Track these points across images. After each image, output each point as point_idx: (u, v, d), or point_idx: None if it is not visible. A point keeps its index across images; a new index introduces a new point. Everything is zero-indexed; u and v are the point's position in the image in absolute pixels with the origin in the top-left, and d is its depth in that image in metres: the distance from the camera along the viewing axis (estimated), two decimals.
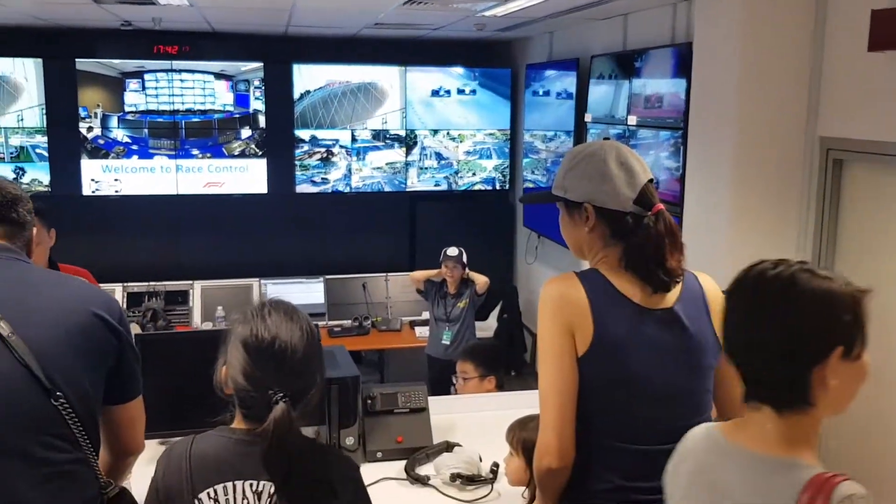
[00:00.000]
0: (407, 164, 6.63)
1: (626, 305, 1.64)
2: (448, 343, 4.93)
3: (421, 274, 5.18)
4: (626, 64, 4.60)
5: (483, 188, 6.79)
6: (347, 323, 5.66)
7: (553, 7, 4.60)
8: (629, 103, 4.55)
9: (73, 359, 1.51)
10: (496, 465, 2.30)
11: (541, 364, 1.65)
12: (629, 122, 4.55)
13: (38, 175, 6.02)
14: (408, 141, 6.59)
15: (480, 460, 2.34)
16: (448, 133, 6.64)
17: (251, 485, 1.45)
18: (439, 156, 6.68)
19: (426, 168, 6.67)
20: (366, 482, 1.47)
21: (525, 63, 6.44)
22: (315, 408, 2.24)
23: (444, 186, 6.74)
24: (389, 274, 6.08)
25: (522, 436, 2.08)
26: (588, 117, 5.12)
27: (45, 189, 6.02)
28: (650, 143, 4.29)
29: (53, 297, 1.57)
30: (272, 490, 1.45)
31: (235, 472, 1.46)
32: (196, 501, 1.45)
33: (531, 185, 6.17)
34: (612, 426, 1.64)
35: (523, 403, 2.63)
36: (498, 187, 6.82)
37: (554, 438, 1.60)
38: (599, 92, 4.96)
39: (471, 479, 2.27)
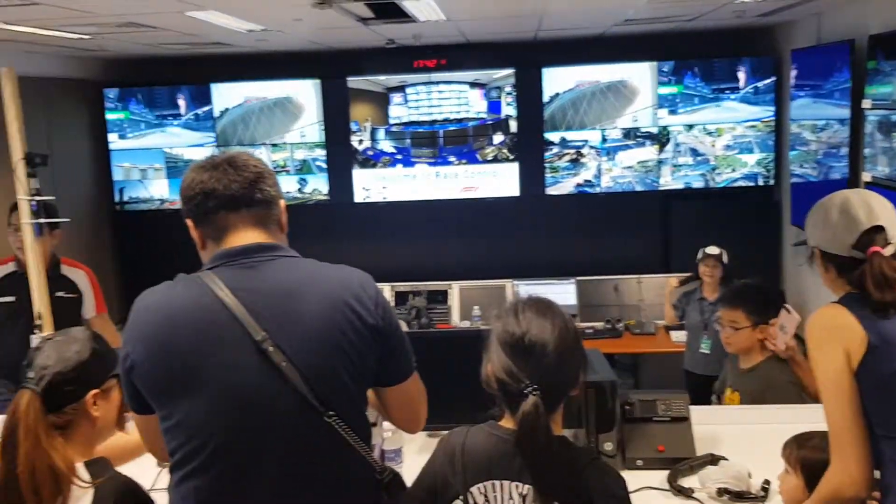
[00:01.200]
0: (659, 162, 6.44)
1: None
2: (708, 352, 4.49)
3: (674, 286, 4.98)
4: None
5: (744, 184, 6.40)
6: (600, 325, 5.62)
7: None
8: None
9: (340, 373, 1.52)
10: (767, 482, 2.17)
11: (825, 398, 1.76)
12: None
13: (318, 185, 6.68)
14: (660, 138, 6.40)
15: (749, 476, 2.21)
16: (704, 128, 6.35)
17: (517, 486, 1.51)
18: (695, 152, 6.40)
19: (680, 165, 6.43)
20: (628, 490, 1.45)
21: (790, 48, 5.96)
22: (576, 409, 2.30)
23: (700, 184, 6.45)
24: (642, 276, 5.95)
25: (802, 454, 1.95)
26: (867, 104, 4.63)
27: (325, 197, 6.65)
28: None
29: (315, 303, 1.52)
30: (537, 494, 1.49)
31: (503, 471, 1.52)
32: (468, 494, 1.53)
33: (800, 181, 5.70)
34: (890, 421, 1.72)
35: (790, 418, 2.46)
36: (761, 183, 6.39)
37: (859, 471, 1.71)
38: (881, 75, 4.46)
39: (739, 496, 2.16)
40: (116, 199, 6.77)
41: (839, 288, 1.87)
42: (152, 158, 6.70)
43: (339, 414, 1.51)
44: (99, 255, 6.68)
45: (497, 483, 1.52)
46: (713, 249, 4.71)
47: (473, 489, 1.53)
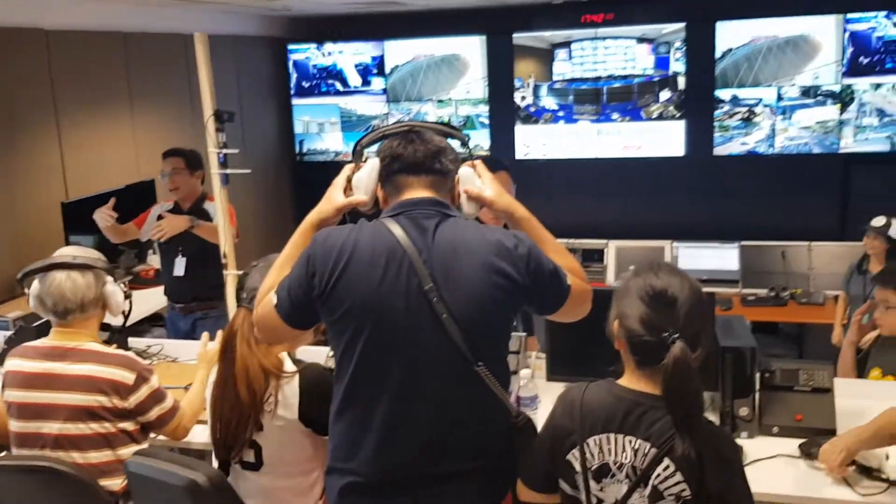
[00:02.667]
0: (841, 123, 6.03)
1: None
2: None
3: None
4: None
5: None
6: (763, 292, 5.41)
7: None
8: None
9: (491, 328, 1.70)
10: None
11: None
12: None
13: (481, 141, 6.83)
14: (843, 97, 5.98)
15: (887, 458, 2.14)
16: (894, 86, 5.86)
17: (630, 441, 1.58)
18: (882, 112, 5.93)
19: (864, 127, 5.99)
20: (759, 456, 1.47)
21: None
22: (713, 373, 2.32)
23: (886, 147, 5.98)
24: (813, 243, 5.64)
25: None
26: None
27: (487, 153, 6.80)
28: None
29: (474, 263, 1.65)
30: (647, 449, 1.56)
31: (618, 425, 1.60)
32: (584, 445, 1.63)
33: None
34: None
35: None
36: None
37: None
38: None
39: (867, 471, 2.10)
40: (297, 150, 7.28)
41: None
42: (329, 112, 7.13)
43: (486, 364, 1.66)
44: (281, 202, 7.24)
45: (612, 436, 1.60)
46: (878, 220, 4.43)
47: (590, 440, 1.62)
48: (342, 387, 1.70)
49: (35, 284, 2.29)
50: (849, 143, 6.05)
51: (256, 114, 6.85)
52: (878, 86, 5.90)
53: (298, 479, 2.08)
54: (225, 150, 2.84)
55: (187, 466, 1.95)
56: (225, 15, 6.14)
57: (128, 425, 2.24)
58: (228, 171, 2.87)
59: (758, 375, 2.42)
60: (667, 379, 1.52)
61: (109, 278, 2.35)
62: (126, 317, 2.50)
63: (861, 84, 5.92)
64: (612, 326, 1.66)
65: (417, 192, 1.75)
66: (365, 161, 1.82)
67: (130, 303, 2.46)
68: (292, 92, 7.17)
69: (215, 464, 2.08)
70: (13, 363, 2.27)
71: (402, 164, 1.75)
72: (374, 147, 1.85)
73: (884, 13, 5.79)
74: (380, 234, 1.68)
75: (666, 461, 1.54)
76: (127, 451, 2.20)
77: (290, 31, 7.22)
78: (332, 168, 7.19)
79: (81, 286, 2.26)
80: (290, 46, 7.10)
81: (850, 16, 5.85)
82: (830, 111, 6.03)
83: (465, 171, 1.83)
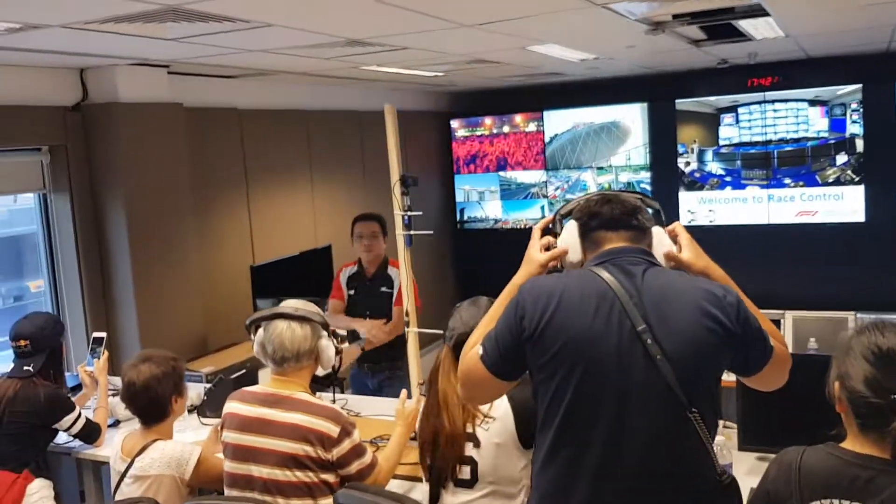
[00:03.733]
0: None
1: None
2: None
3: None
4: None
5: None
6: None
7: None
8: None
9: (704, 373, 1.66)
10: None
11: None
12: None
13: None
14: None
15: None
16: None
17: None
18: None
19: None
20: None
21: None
22: None
23: None
24: None
25: None
26: None
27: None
28: None
29: (686, 307, 1.66)
30: None
31: (842, 491, 1.51)
32: None
33: None
34: None
35: None
36: None
37: None
38: None
39: None
40: (458, 218, 7.49)
41: None
42: (489, 182, 7.31)
43: (699, 411, 1.63)
44: (443, 268, 7.44)
45: (835, 501, 1.51)
46: None
47: None
48: (551, 432, 1.69)
49: (260, 332, 2.44)
50: None
51: (422, 183, 7.13)
52: None
53: (509, 498, 2.22)
54: (410, 213, 2.98)
55: (395, 499, 2.07)
56: (394, 92, 6.51)
57: (329, 477, 2.30)
58: (413, 232, 3.01)
59: None
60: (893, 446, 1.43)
61: (325, 333, 2.48)
62: (335, 371, 2.60)
63: None
64: (832, 388, 1.58)
65: (618, 244, 1.77)
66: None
67: (340, 359, 2.58)
68: (455, 162, 7.43)
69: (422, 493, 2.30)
70: (233, 406, 2.42)
71: (601, 221, 1.79)
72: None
73: None
74: (588, 278, 1.71)
75: None
76: (326, 503, 2.28)
77: (453, 104, 7.53)
78: (491, 235, 7.38)
79: (299, 337, 2.39)
80: (454, 120, 7.40)
81: None
82: None
83: (658, 230, 1.84)
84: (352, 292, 4.27)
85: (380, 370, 4.15)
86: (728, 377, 1.85)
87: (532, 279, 1.80)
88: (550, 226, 1.91)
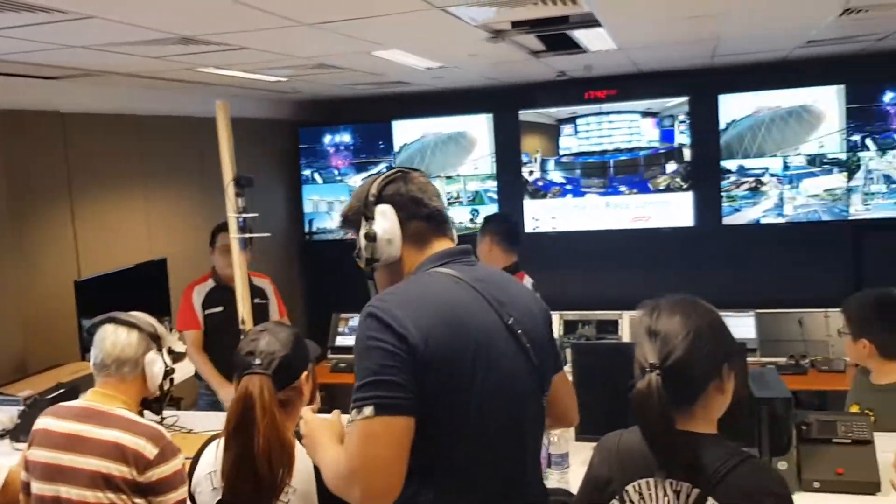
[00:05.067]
0: (849, 190, 6.06)
1: None
2: None
3: None
4: None
5: None
6: (782, 360, 5.33)
7: None
8: None
9: (549, 358, 1.70)
10: None
11: None
12: None
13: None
14: (849, 164, 6.04)
15: None
16: None
17: (671, 483, 1.52)
18: (889, 179, 5.98)
19: (873, 193, 6.02)
20: None
21: None
22: (749, 426, 2.24)
23: (895, 213, 6.00)
24: (829, 310, 5.58)
25: None
26: None
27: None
28: None
29: (524, 295, 1.72)
30: (690, 490, 1.49)
31: (657, 467, 1.54)
32: (624, 493, 1.56)
33: None
34: None
35: None
36: None
37: None
38: None
39: None
40: (306, 229, 7.32)
41: None
42: (338, 192, 7.20)
43: (545, 397, 1.70)
44: (291, 281, 7.24)
45: (651, 480, 1.53)
46: None
47: (628, 487, 1.55)
48: (444, 448, 1.55)
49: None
50: (858, 210, 6.06)
51: (267, 194, 6.92)
52: (883, 153, 5.96)
53: None
54: (245, 215, 2.85)
55: None
56: (238, 98, 6.28)
57: (142, 502, 2.10)
58: (249, 235, 2.87)
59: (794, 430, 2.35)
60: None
61: (154, 346, 2.27)
62: (164, 395, 2.35)
63: (867, 152, 5.99)
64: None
65: (449, 244, 1.75)
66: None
67: (171, 381, 2.35)
68: (302, 172, 7.27)
69: None
70: (44, 421, 2.19)
71: (429, 214, 1.72)
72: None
73: (885, 83, 5.91)
74: (451, 284, 1.62)
75: (710, 501, 1.47)
76: None
77: (300, 114, 7.38)
78: (340, 246, 7.23)
79: (122, 342, 2.21)
80: (302, 128, 7.25)
81: (851, 86, 5.96)
82: (837, 179, 6.08)
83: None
84: (218, 309, 3.89)
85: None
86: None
87: (379, 298, 1.59)
88: (360, 210, 1.71)
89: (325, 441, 1.64)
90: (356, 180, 7.14)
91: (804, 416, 2.34)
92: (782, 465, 2.26)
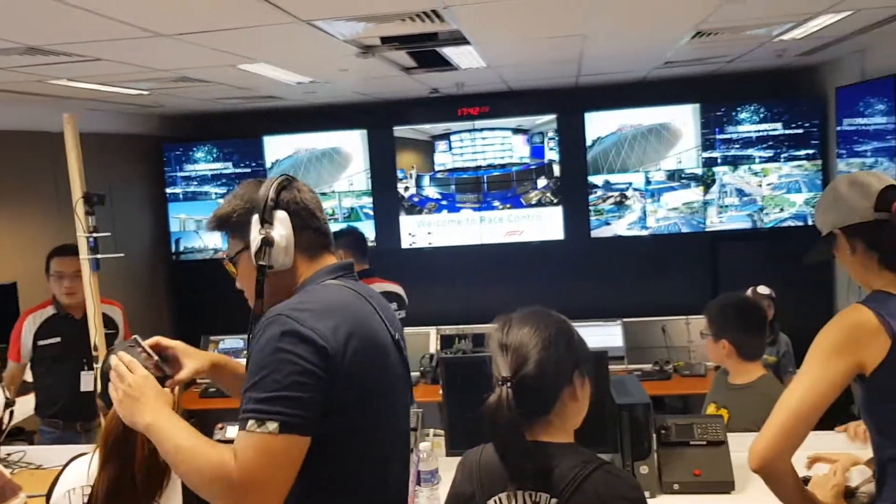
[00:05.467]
0: (705, 203, 6.42)
1: None
2: None
3: None
4: None
5: (793, 224, 6.33)
6: (648, 367, 5.56)
7: (859, 22, 4.24)
8: None
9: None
10: None
11: (799, 401, 1.69)
12: None
13: (366, 231, 6.79)
14: (705, 179, 6.39)
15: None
16: (750, 168, 6.33)
17: (530, 495, 1.52)
18: (741, 192, 6.37)
19: (727, 206, 6.40)
20: None
21: (834, 87, 5.94)
22: (610, 432, 2.30)
23: (747, 224, 6.40)
24: (690, 317, 5.87)
25: None
26: None
27: (372, 244, 6.78)
28: None
29: (392, 311, 1.78)
30: (548, 500, 1.50)
31: (508, 479, 1.55)
32: None
33: None
34: None
35: (841, 444, 2.41)
36: (811, 223, 6.27)
37: (765, 443, 1.69)
38: None
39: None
40: (173, 249, 7.02)
41: (870, 272, 1.77)
42: (206, 210, 6.95)
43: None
44: (158, 302, 6.92)
45: (511, 494, 1.54)
46: (763, 289, 4.68)
47: (489, 502, 1.55)
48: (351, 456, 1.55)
49: None
50: (714, 222, 6.43)
51: (131, 213, 6.60)
52: (735, 167, 6.35)
53: None
54: (95, 234, 2.68)
55: None
56: (95, 113, 5.96)
57: None
58: (100, 256, 2.70)
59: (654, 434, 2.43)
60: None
61: None
62: (2, 430, 2.16)
63: (720, 167, 6.36)
64: None
65: (334, 259, 1.77)
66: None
67: (11, 413, 2.16)
68: (168, 190, 6.98)
69: None
70: None
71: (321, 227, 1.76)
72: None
73: (736, 102, 6.30)
74: (354, 296, 1.64)
75: None
76: None
77: (166, 129, 7.09)
78: (211, 265, 6.98)
79: None
80: (167, 144, 6.96)
81: (705, 105, 6.32)
82: (695, 193, 6.42)
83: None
84: (54, 340, 3.55)
85: (71, 429, 3.53)
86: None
87: (289, 306, 1.53)
88: (248, 213, 1.64)
89: (167, 414, 1.53)
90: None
91: (663, 421, 2.43)
92: (644, 470, 2.34)
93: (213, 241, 6.96)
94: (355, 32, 3.74)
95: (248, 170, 6.88)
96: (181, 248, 7.03)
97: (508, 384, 1.49)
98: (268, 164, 6.88)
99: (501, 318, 1.63)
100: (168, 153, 6.96)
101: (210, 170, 6.94)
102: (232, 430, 2.39)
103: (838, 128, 5.80)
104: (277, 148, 6.88)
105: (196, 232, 7.00)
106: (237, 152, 6.93)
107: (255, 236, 1.60)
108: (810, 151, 6.23)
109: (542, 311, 1.62)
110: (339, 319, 1.51)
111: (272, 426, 1.40)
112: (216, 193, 6.94)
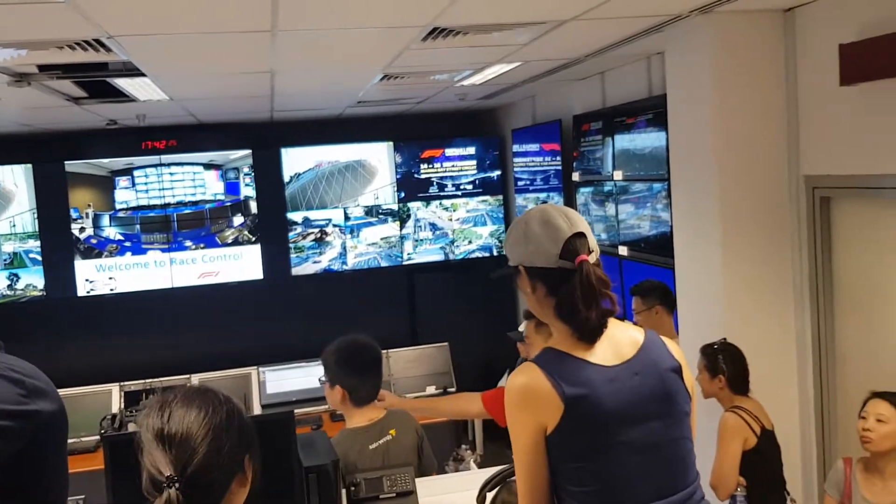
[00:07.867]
0: (402, 238, 6.60)
1: (585, 367, 1.69)
2: None
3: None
4: (607, 121, 4.59)
5: (480, 255, 6.73)
6: None
7: (528, 72, 4.63)
8: (614, 159, 4.52)
9: None
10: None
11: (515, 454, 1.72)
12: (616, 178, 4.50)
13: (33, 280, 6.01)
14: (401, 214, 6.58)
15: None
16: (441, 203, 6.63)
17: None
18: (434, 226, 6.65)
19: (422, 240, 6.64)
20: None
21: (510, 129, 6.46)
22: (299, 495, 2.16)
23: (440, 257, 6.68)
24: (390, 350, 5.95)
25: (502, 498, 1.98)
26: (576, 176, 5.09)
27: (41, 293, 6.00)
28: (645, 197, 4.24)
29: None
30: None
31: None
32: None
33: None
34: (597, 489, 1.67)
35: None
36: (495, 253, 6.76)
37: None
38: (584, 150, 4.94)
39: None
40: None
41: (546, 309, 1.76)
42: None
43: None
44: None
45: None
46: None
47: None
48: None
49: None
50: (410, 255, 6.63)
51: None
52: (428, 202, 6.61)
53: None
54: None
55: None
56: None
57: None
58: None
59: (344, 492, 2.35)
60: None
61: None
62: None
63: (414, 202, 6.58)
64: (144, 475, 1.40)
65: None
66: None
67: None
68: None
69: None
70: None
71: None
72: None
73: (425, 140, 6.58)
74: None
75: None
76: None
77: None
78: None
79: None
80: None
81: (397, 142, 6.52)
82: (392, 228, 6.57)
83: None
84: None
85: None
86: None
87: None
88: None
89: None
90: None
91: (352, 478, 2.35)
92: None
93: None
94: (5, 58, 3.27)
95: None
96: None
97: (176, 485, 1.29)
98: None
99: (156, 401, 1.41)
100: None
101: None
102: None
103: (514, 166, 6.31)
104: None
105: None
106: None
107: None
108: (493, 188, 6.69)
109: (206, 391, 1.44)
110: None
111: None
112: None
